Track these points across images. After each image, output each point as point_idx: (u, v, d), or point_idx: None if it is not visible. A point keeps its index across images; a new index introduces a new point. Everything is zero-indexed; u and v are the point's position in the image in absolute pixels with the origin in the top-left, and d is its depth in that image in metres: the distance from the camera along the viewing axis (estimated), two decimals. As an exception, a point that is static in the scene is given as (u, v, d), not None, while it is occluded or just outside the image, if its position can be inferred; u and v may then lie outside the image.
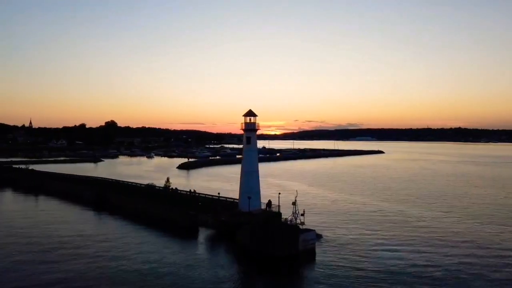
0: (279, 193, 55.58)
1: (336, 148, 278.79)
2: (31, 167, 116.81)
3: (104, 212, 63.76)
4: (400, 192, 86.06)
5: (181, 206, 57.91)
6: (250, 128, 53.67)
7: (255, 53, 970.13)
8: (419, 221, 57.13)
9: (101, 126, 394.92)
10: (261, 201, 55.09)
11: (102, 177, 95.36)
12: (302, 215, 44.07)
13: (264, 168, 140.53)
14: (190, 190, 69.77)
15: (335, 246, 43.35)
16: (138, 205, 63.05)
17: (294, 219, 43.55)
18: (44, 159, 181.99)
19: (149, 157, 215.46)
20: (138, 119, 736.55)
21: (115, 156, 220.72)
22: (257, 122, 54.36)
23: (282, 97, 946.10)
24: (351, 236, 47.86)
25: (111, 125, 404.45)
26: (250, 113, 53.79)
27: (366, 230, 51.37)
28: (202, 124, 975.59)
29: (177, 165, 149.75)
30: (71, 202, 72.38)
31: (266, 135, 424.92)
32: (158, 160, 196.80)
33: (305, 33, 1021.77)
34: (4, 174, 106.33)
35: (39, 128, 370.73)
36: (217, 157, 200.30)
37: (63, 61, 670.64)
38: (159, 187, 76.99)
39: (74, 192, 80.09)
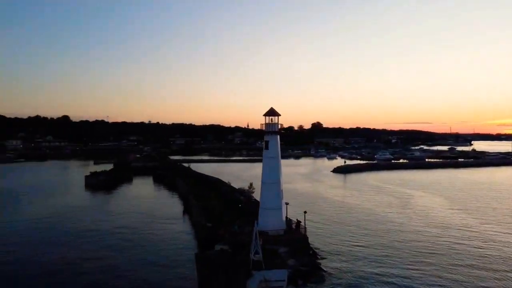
0: (305, 212, 44.65)
1: None
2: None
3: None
4: None
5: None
6: (270, 130, 44.71)
7: None
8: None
9: (298, 127, 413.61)
10: (291, 219, 45.67)
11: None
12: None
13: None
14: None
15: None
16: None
17: (257, 252, 33.11)
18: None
19: (330, 158, 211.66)
20: (348, 119, 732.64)
21: (297, 157, 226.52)
22: (279, 122, 44.94)
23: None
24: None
25: (316, 126, 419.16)
26: (271, 112, 44.87)
27: None
28: (429, 123, 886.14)
29: (332, 168, 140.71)
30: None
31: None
32: (334, 162, 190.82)
33: None
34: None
35: (253, 130, 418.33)
36: (404, 161, 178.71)
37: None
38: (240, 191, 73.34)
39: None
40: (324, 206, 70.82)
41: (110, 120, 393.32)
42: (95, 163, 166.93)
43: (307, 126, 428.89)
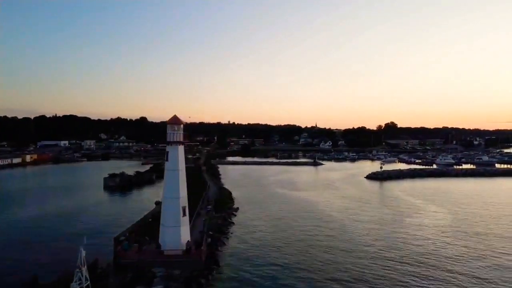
0: (210, 233, 39.97)
1: None
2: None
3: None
4: None
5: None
6: (171, 140, 40.76)
7: None
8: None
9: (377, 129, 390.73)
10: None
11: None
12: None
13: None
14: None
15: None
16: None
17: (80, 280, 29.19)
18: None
19: (386, 162, 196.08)
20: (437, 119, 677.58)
21: (352, 160, 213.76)
22: (181, 132, 40.76)
23: None
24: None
25: (389, 126, 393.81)
26: (173, 121, 40.98)
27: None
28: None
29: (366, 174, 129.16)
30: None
31: None
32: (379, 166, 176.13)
33: None
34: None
35: (321, 129, 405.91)
36: (471, 166, 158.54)
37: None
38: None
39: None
40: (288, 219, 64.07)
41: (189, 121, 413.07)
42: (142, 164, 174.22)
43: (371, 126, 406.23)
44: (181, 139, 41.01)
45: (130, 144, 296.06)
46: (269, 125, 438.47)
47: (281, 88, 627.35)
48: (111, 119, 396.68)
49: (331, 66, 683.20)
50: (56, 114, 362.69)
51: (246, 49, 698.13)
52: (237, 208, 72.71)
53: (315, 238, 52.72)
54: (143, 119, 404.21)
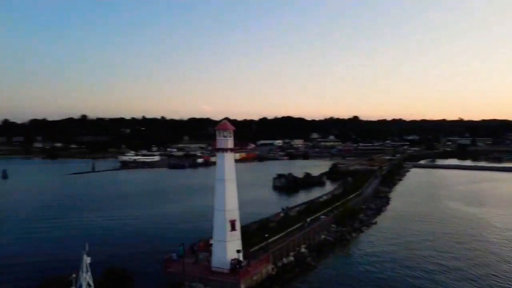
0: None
1: None
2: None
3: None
4: None
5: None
6: (220, 147, 37.72)
7: None
8: None
9: None
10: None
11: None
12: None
13: None
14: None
15: None
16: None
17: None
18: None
19: None
20: None
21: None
22: (230, 138, 37.35)
23: None
24: None
25: None
26: (223, 126, 38.04)
27: None
28: None
29: None
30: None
31: None
32: None
33: None
34: None
35: None
36: None
37: None
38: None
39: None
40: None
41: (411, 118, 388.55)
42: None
43: None
44: (229, 146, 37.32)
45: (335, 143, 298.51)
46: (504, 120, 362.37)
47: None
48: (324, 118, 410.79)
49: None
50: (276, 117, 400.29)
51: None
52: (374, 223, 62.25)
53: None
54: (355, 118, 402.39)
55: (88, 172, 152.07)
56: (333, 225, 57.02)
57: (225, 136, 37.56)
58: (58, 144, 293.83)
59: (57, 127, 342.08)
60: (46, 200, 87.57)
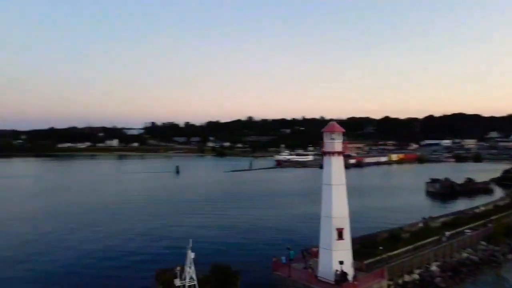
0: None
1: None
2: None
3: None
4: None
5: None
6: (327, 151, 35.94)
7: None
8: None
9: None
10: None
11: None
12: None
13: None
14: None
15: None
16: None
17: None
18: None
19: None
20: None
21: None
22: (341, 140, 35.44)
23: None
24: None
25: None
26: (331, 128, 36.10)
27: None
28: None
29: None
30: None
31: None
32: None
33: None
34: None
35: None
36: None
37: None
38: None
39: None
40: None
41: None
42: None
43: None
44: (337, 149, 34.98)
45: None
46: None
47: None
48: (508, 115, 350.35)
49: None
50: (444, 114, 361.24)
51: None
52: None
53: None
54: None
55: (245, 170, 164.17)
56: (482, 242, 48.30)
57: (332, 139, 35.48)
58: (227, 144, 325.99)
59: (227, 128, 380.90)
60: (199, 194, 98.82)
